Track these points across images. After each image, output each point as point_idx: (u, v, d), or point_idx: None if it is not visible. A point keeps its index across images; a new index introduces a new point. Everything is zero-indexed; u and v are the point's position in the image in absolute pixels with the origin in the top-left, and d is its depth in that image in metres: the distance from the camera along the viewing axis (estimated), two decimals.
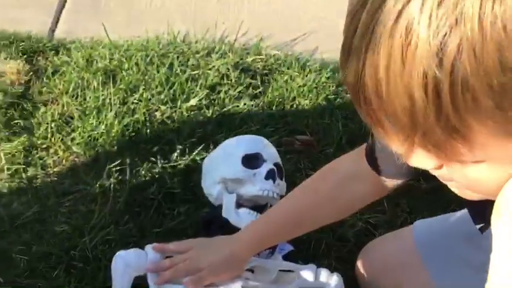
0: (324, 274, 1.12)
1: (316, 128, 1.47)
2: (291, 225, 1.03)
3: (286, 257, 1.16)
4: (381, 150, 0.88)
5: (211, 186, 1.22)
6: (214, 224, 1.18)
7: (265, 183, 1.16)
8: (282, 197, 1.20)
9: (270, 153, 1.23)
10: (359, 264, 1.17)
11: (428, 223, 1.09)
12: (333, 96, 1.53)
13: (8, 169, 1.24)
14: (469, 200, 0.61)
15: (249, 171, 1.17)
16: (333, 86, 1.54)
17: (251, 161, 1.19)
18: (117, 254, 1.08)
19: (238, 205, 1.18)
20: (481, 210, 0.78)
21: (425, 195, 1.37)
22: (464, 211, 1.10)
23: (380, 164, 0.90)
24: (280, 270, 1.11)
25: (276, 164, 1.21)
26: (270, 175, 1.17)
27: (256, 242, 1.04)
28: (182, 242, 1.09)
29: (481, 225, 0.89)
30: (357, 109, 0.49)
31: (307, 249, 1.25)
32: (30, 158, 1.28)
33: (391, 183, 0.94)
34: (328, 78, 1.56)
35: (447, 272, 1.02)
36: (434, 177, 1.43)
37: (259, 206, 1.19)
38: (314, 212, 1.01)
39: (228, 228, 1.15)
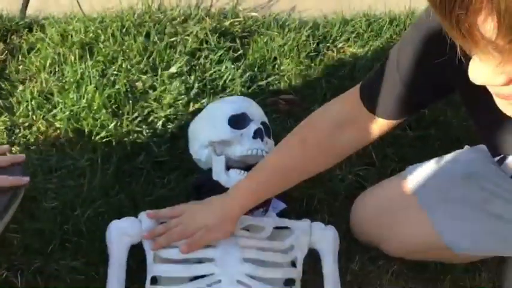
0: (318, 228, 1.13)
1: (299, 86, 1.46)
2: (281, 177, 1.03)
3: (279, 215, 1.17)
4: (380, 87, 0.87)
5: (199, 151, 1.21)
6: (205, 187, 1.18)
7: (253, 143, 1.16)
8: None
9: (256, 112, 1.23)
10: (354, 213, 1.18)
11: (422, 166, 1.10)
12: (314, 53, 1.53)
13: None
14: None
15: (236, 132, 1.17)
16: (313, 44, 1.53)
17: (237, 121, 1.18)
18: (110, 223, 1.08)
19: (228, 167, 1.17)
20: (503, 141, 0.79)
21: (413, 144, 1.38)
22: (457, 153, 1.11)
23: (377, 102, 0.89)
24: (274, 228, 1.12)
25: (262, 123, 1.21)
26: (257, 134, 1.16)
27: (247, 197, 1.04)
28: (175, 207, 1.09)
29: (500, 156, 0.89)
30: (445, 23, 0.47)
31: (300, 206, 1.26)
32: (13, 137, 1.26)
33: (383, 125, 0.93)
34: (308, 36, 1.54)
35: (444, 211, 1.03)
36: (420, 125, 1.44)
37: (249, 166, 1.19)
38: (303, 162, 1.00)
39: (219, 191, 1.15)
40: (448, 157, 1.10)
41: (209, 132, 1.19)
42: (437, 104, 1.46)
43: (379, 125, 0.93)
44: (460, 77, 0.73)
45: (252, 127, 1.17)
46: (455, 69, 0.65)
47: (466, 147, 1.13)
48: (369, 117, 0.92)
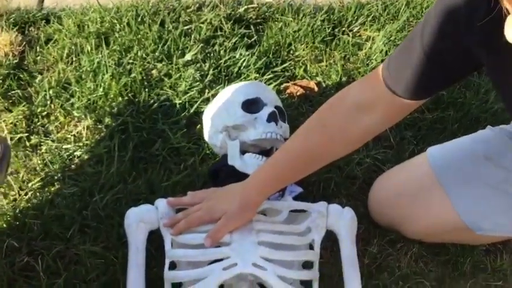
0: (336, 210, 1.12)
1: (314, 71, 1.46)
2: (301, 163, 1.01)
3: (296, 200, 1.17)
4: (403, 65, 0.86)
5: (214, 136, 1.22)
6: (221, 173, 1.18)
7: (267, 126, 1.15)
8: (286, 139, 1.20)
9: (270, 96, 1.22)
10: (373, 195, 1.17)
11: (442, 147, 1.08)
12: (329, 38, 1.51)
13: (12, 138, 1.24)
14: None
15: (250, 116, 1.16)
16: (328, 28, 1.52)
17: (251, 105, 1.18)
18: (129, 210, 1.09)
19: (243, 151, 1.17)
20: None
21: (431, 126, 1.37)
22: (478, 134, 1.09)
23: (401, 81, 0.87)
24: (291, 211, 1.12)
25: (276, 107, 1.20)
26: (271, 117, 1.16)
27: (267, 184, 1.03)
28: (195, 193, 1.10)
29: None
30: None
31: (317, 190, 1.26)
32: (32, 126, 1.28)
33: (405, 106, 0.91)
34: (323, 21, 1.53)
35: (465, 192, 1.02)
36: (438, 107, 1.42)
37: (264, 150, 1.19)
38: (324, 147, 0.99)
39: (236, 176, 1.15)
40: (468, 138, 1.09)
41: (223, 117, 1.19)
42: (455, 86, 1.44)
43: (401, 106, 0.91)
44: (489, 47, 0.71)
45: (266, 111, 1.17)
46: (483, 40, 0.64)
47: (488, 127, 1.11)
48: (390, 99, 0.90)
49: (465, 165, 1.04)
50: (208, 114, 1.24)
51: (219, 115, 1.20)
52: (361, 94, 0.94)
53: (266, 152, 1.19)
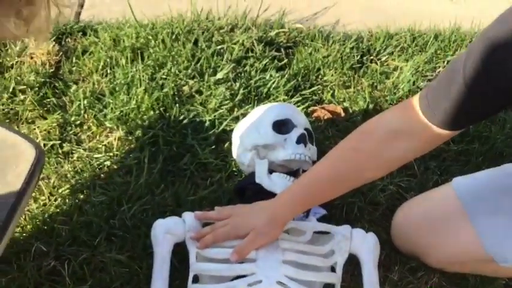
0: (359, 234, 1.13)
1: (342, 97, 1.48)
2: (331, 184, 1.03)
3: (319, 221, 1.18)
4: (442, 96, 0.87)
5: (242, 154, 1.24)
6: (247, 190, 1.20)
7: (296, 147, 1.17)
8: (314, 162, 1.22)
9: (300, 118, 1.25)
10: (396, 222, 1.18)
11: (469, 177, 1.09)
12: (357, 65, 1.54)
13: (45, 145, 1.27)
14: None
15: (279, 137, 1.19)
16: (357, 56, 1.55)
17: (281, 126, 1.20)
18: (156, 222, 1.11)
19: (271, 171, 1.19)
20: None
21: (456, 158, 1.38)
22: (506, 166, 1.10)
23: (438, 111, 0.89)
24: (315, 233, 1.13)
25: (306, 129, 1.23)
26: (301, 139, 1.18)
27: (296, 203, 1.05)
28: (222, 208, 1.11)
29: None
30: None
31: (340, 214, 1.27)
32: (65, 134, 1.31)
33: (439, 136, 0.92)
34: (352, 48, 1.57)
35: (491, 222, 1.02)
36: (463, 139, 1.43)
37: (292, 171, 1.21)
38: (354, 171, 1.00)
39: (262, 194, 1.17)
40: (497, 169, 1.10)
41: (253, 136, 1.22)
42: None
43: (435, 136, 0.92)
44: None
45: (296, 132, 1.19)
46: None
47: None
48: (425, 127, 0.91)
49: (492, 196, 1.05)
50: (238, 132, 1.27)
51: (249, 134, 1.22)
52: (397, 121, 0.96)
53: (293, 173, 1.20)
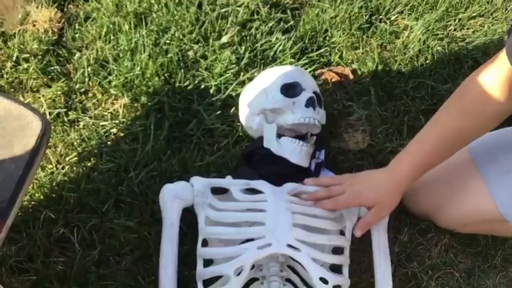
0: None
1: (350, 58, 1.45)
2: (444, 146, 1.01)
3: None
4: None
5: (250, 119, 1.22)
6: (256, 155, 1.19)
7: (305, 111, 1.15)
8: (322, 125, 1.21)
9: (308, 81, 1.22)
10: None
11: (483, 137, 1.07)
12: (366, 25, 1.50)
13: (50, 113, 1.26)
14: None
15: (288, 100, 1.17)
16: (366, 16, 1.51)
17: (290, 89, 1.18)
18: (164, 186, 1.10)
19: (279, 135, 1.18)
20: None
21: None
22: None
23: None
24: None
25: (314, 92, 1.20)
26: (309, 103, 1.16)
27: (415, 171, 1.03)
28: (336, 177, 1.11)
29: None
30: None
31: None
32: (70, 102, 1.30)
33: None
34: (360, 8, 1.52)
35: (505, 182, 1.01)
36: None
37: (300, 136, 1.19)
38: (463, 128, 0.99)
39: (271, 159, 1.16)
40: (510, 129, 1.07)
41: (261, 100, 1.20)
42: None
43: None
44: None
45: (305, 96, 1.17)
46: None
47: None
48: None
49: (505, 155, 1.03)
50: (246, 96, 1.25)
51: (257, 98, 1.20)
52: (493, 76, 0.95)
53: (302, 137, 1.19)
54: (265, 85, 1.20)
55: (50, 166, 1.20)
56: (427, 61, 1.46)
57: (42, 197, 1.15)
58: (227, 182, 1.10)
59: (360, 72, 1.42)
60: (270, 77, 1.21)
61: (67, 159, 1.21)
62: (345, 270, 1.06)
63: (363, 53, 1.46)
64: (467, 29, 1.55)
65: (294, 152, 1.15)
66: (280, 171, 1.13)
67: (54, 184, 1.17)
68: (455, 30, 1.54)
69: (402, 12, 1.54)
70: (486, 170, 1.03)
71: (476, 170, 1.04)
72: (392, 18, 1.53)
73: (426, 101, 1.39)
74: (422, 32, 1.48)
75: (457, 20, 1.55)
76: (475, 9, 1.58)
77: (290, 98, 1.17)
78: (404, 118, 1.35)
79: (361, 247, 1.15)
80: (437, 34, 1.51)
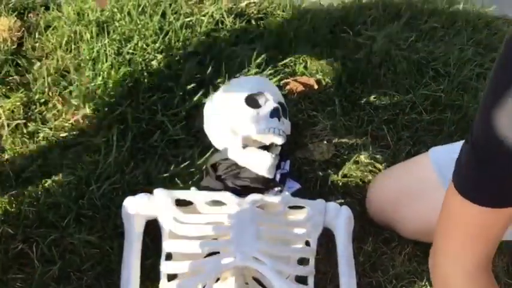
0: (333, 207, 1.12)
1: (315, 68, 1.46)
2: None
3: (293, 195, 1.17)
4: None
5: (215, 129, 1.21)
6: (220, 166, 1.18)
7: (270, 122, 1.15)
8: (287, 135, 1.21)
9: (273, 92, 1.22)
10: (371, 193, 1.18)
11: (445, 148, 1.09)
12: (329, 36, 1.52)
13: (9, 125, 1.22)
14: None
15: (253, 111, 1.16)
16: (330, 26, 1.52)
17: (255, 100, 1.18)
18: (126, 199, 1.08)
19: (244, 146, 1.17)
20: None
21: (428, 127, 1.38)
22: None
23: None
24: (289, 207, 1.12)
25: (279, 103, 1.20)
26: (274, 113, 1.16)
27: None
28: None
29: None
30: None
31: (314, 187, 1.26)
32: (29, 113, 1.27)
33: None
34: (324, 18, 1.54)
35: None
36: (435, 109, 1.41)
37: (264, 147, 1.19)
38: None
39: (235, 170, 1.15)
40: None
41: (226, 110, 1.19)
42: (453, 88, 1.46)
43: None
44: None
45: (269, 106, 1.17)
46: None
47: None
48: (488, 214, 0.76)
49: None
50: (211, 106, 1.24)
51: (222, 108, 1.20)
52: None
53: (266, 148, 1.18)
54: (230, 96, 1.20)
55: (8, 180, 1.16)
56: (390, 71, 1.48)
57: (0, 212, 1.12)
58: (191, 194, 1.09)
59: (324, 83, 1.43)
60: (235, 88, 1.21)
61: (26, 172, 1.17)
62: (310, 281, 1.06)
63: (327, 64, 1.47)
64: (428, 39, 1.58)
65: (260, 162, 1.14)
66: (244, 183, 1.13)
67: (12, 198, 1.13)
68: (416, 41, 1.57)
69: (365, 23, 1.56)
70: (447, 180, 1.04)
71: (438, 181, 1.05)
72: (356, 29, 1.55)
73: (389, 111, 1.40)
74: (385, 43, 1.51)
75: (418, 31, 1.58)
76: (435, 20, 1.61)
77: (255, 109, 1.17)
78: (368, 128, 1.36)
79: (326, 257, 1.15)
80: (399, 45, 1.53)
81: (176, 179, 1.20)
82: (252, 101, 1.17)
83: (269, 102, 1.18)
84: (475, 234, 0.79)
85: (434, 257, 0.86)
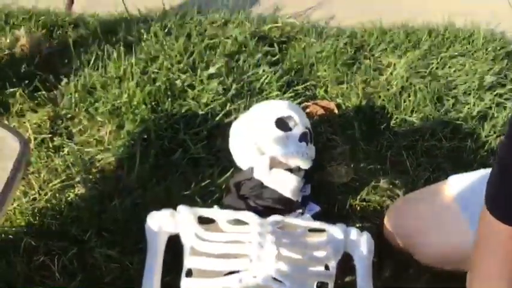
0: (354, 233, 1.12)
1: (335, 92, 1.48)
2: None
3: (313, 218, 1.17)
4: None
5: (241, 149, 1.23)
6: (244, 186, 1.18)
7: (298, 145, 1.17)
8: (312, 160, 1.22)
9: (302, 117, 1.24)
10: (390, 219, 1.17)
11: (464, 177, 1.09)
12: (351, 61, 1.54)
13: (35, 139, 1.25)
14: None
15: (282, 133, 1.18)
16: (351, 51, 1.55)
17: (284, 123, 1.19)
18: (150, 214, 1.09)
19: (271, 167, 1.18)
20: None
21: (448, 155, 1.38)
22: None
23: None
24: (310, 230, 1.12)
25: (307, 128, 1.22)
26: (303, 138, 1.18)
27: None
28: None
29: None
30: None
31: (332, 210, 1.27)
32: (55, 128, 1.30)
33: None
34: (345, 44, 1.56)
35: None
36: (456, 136, 1.39)
37: (289, 170, 1.20)
38: None
39: (258, 190, 1.16)
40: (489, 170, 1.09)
41: (255, 131, 1.20)
42: (473, 116, 1.46)
43: None
44: None
45: (298, 130, 1.18)
46: None
47: None
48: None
49: None
50: (239, 126, 1.25)
51: (250, 129, 1.21)
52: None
53: (291, 171, 1.19)
54: (259, 117, 1.21)
55: (32, 192, 1.19)
56: (410, 98, 1.49)
57: (23, 224, 1.14)
58: (214, 212, 1.10)
59: (344, 107, 1.45)
60: (264, 110, 1.23)
61: (50, 185, 1.20)
62: None
63: (347, 88, 1.49)
64: (449, 67, 1.60)
65: (287, 185, 1.15)
66: (267, 203, 1.14)
67: (36, 211, 1.16)
68: (437, 68, 1.58)
69: (386, 49, 1.59)
70: (468, 209, 1.05)
71: (458, 209, 1.05)
72: (376, 55, 1.57)
73: (408, 137, 1.41)
74: (405, 70, 1.52)
75: (439, 59, 1.60)
76: (456, 49, 1.63)
77: (284, 132, 1.18)
78: (387, 153, 1.37)
79: (346, 282, 1.15)
80: (420, 72, 1.55)
81: (196, 196, 1.21)
82: (281, 124, 1.19)
83: (298, 127, 1.19)
84: (509, 258, 0.79)
85: (470, 282, 0.86)
